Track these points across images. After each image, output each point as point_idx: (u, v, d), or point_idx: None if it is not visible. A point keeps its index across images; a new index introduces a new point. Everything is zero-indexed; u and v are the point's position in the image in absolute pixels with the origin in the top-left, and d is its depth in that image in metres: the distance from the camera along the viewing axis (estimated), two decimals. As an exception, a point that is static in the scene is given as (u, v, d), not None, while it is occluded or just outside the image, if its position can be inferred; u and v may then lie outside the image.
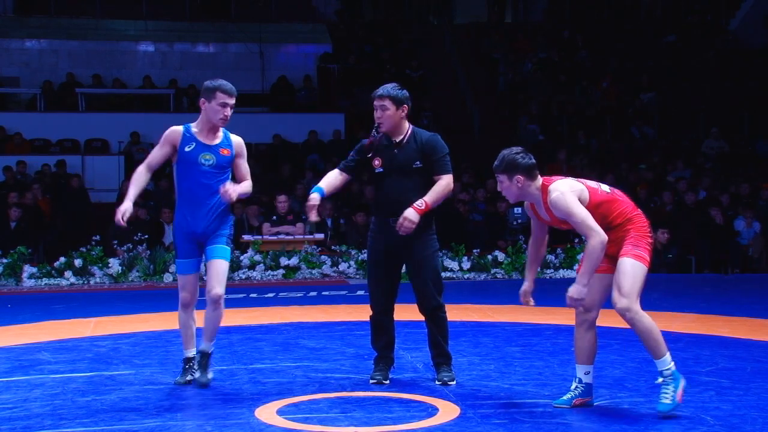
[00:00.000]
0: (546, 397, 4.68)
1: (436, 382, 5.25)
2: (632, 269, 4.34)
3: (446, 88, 18.40)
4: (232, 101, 5.02)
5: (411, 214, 5.06)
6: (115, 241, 11.75)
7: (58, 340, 6.88)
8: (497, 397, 4.86)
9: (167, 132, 5.11)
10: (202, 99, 5.02)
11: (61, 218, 13.46)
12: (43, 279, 11.01)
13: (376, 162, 5.31)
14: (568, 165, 15.23)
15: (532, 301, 4.69)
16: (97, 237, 11.47)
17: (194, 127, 5.13)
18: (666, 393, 4.35)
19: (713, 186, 14.16)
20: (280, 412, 4.60)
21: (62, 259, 11.15)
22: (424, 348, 6.28)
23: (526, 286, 4.69)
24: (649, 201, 13.88)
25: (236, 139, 5.23)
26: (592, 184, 4.51)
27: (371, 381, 5.29)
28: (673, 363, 4.40)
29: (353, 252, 11.65)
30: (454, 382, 5.21)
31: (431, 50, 19.68)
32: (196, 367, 5.18)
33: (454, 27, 21.27)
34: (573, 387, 4.63)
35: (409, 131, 5.31)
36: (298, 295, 9.81)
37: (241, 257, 11.30)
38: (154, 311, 8.45)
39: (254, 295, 9.77)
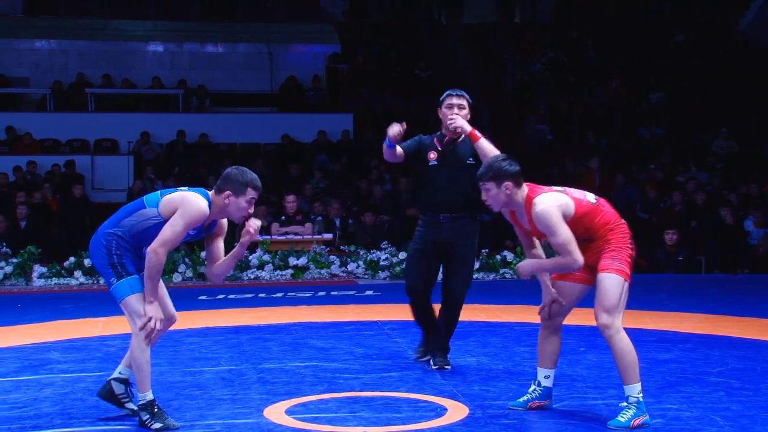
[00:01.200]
0: (554, 398, 4.67)
1: (433, 367, 5.49)
2: (613, 285, 4.28)
3: (454, 88, 18.37)
4: (257, 197, 4.48)
5: (461, 121, 5.47)
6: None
7: (67, 340, 6.90)
8: (506, 398, 4.86)
9: (198, 215, 4.32)
10: (228, 192, 4.35)
11: (65, 225, 13.48)
12: (53, 278, 11.04)
13: (432, 155, 5.56)
14: (576, 167, 15.23)
15: (562, 300, 4.55)
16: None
17: (211, 203, 4.42)
18: (625, 413, 4.23)
19: (723, 186, 14.12)
20: (289, 411, 4.61)
21: (72, 259, 11.18)
22: (432, 348, 6.29)
23: (548, 298, 4.54)
24: (659, 201, 13.85)
25: (223, 222, 4.63)
26: (578, 194, 4.44)
27: (413, 356, 5.73)
28: (641, 395, 4.28)
29: (362, 252, 11.65)
30: (450, 367, 5.46)
31: (439, 50, 19.67)
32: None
33: (462, 27, 21.25)
34: (531, 390, 4.61)
35: None
36: (307, 295, 9.82)
37: (250, 257, 11.32)
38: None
39: (263, 295, 9.78)
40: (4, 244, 11.37)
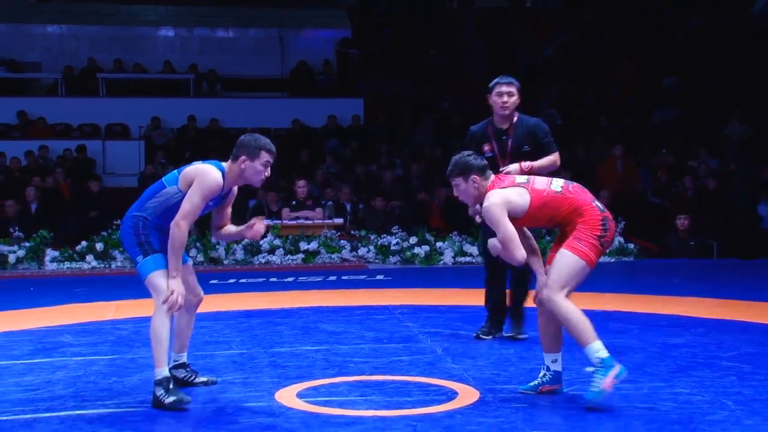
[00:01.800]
0: (566, 382, 4.67)
1: (513, 335, 6.02)
2: (563, 260, 4.33)
3: (465, 73, 18.33)
4: (273, 160, 4.62)
5: (513, 166, 5.57)
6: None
7: (80, 323, 6.94)
8: (517, 382, 4.86)
9: (214, 185, 4.43)
10: (243, 156, 4.50)
11: (78, 212, 13.53)
12: (65, 262, 11.09)
13: (486, 148, 5.78)
14: (589, 151, 15.18)
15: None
16: (118, 221, 11.53)
17: (225, 171, 4.56)
18: (594, 381, 4.24)
19: (736, 171, 14.04)
20: (300, 395, 4.62)
21: (84, 243, 11.23)
22: (443, 332, 6.32)
23: (541, 283, 4.55)
24: (671, 186, 13.79)
25: (234, 190, 4.77)
26: (541, 185, 4.45)
27: (474, 335, 5.97)
28: (603, 350, 4.26)
29: (372, 237, 11.66)
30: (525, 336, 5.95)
31: (450, 35, 19.58)
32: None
33: (474, 11, 21.14)
34: (541, 374, 4.63)
35: (516, 117, 5.88)
36: (318, 279, 9.84)
37: (261, 242, 11.34)
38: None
39: (274, 279, 9.80)
40: (17, 228, 11.42)
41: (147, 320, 6.94)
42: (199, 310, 7.13)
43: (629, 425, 4.03)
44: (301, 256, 11.33)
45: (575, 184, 4.52)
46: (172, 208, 4.45)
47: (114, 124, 16.53)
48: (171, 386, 4.38)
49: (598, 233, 4.36)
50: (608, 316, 7.00)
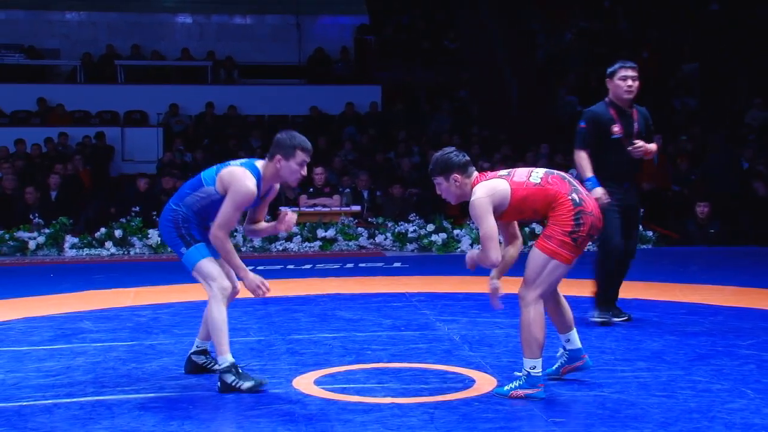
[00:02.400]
0: (583, 373, 4.65)
1: (621, 319, 6.19)
2: (533, 259, 4.31)
3: (484, 60, 18.27)
4: (309, 158, 4.60)
5: (652, 146, 6.12)
6: (154, 213, 11.86)
7: (99, 310, 6.98)
8: (534, 369, 4.85)
9: (248, 195, 4.44)
10: (279, 156, 4.48)
11: (98, 199, 13.61)
12: (84, 249, 11.16)
13: (616, 128, 6.03)
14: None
15: (499, 304, 4.58)
16: (137, 208, 11.59)
17: (261, 173, 4.56)
18: (512, 383, 4.28)
19: (756, 157, 13.93)
20: (318, 382, 4.64)
21: (103, 230, 11.29)
22: (461, 320, 6.32)
23: (494, 283, 4.54)
24: (690, 173, 13.70)
25: (275, 187, 4.79)
26: (520, 177, 4.36)
27: (591, 318, 6.09)
28: (539, 370, 4.27)
29: (390, 224, 11.65)
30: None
31: (469, 21, 19.52)
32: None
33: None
34: (559, 355, 4.66)
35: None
36: (335, 266, 9.85)
37: (278, 229, 11.34)
38: (192, 282, 8.51)
39: (291, 267, 9.83)
40: (36, 214, 11.50)
41: (165, 306, 7.03)
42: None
43: (647, 413, 4.01)
44: (318, 243, 11.34)
45: (556, 174, 4.40)
46: (209, 207, 4.52)
47: (133, 111, 16.59)
48: (240, 371, 4.43)
49: (569, 229, 4.24)
50: (627, 303, 6.97)
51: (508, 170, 4.47)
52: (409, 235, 11.46)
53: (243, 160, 4.63)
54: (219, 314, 4.45)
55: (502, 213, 4.36)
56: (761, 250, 11.33)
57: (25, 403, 4.28)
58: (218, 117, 16.32)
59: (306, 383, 4.60)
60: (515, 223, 4.54)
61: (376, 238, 11.51)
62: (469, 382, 4.61)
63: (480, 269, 4.47)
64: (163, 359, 5.20)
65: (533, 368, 4.26)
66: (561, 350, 4.64)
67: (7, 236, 11.20)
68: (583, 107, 17.50)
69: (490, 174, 4.45)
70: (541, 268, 4.29)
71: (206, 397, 4.36)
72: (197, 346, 4.86)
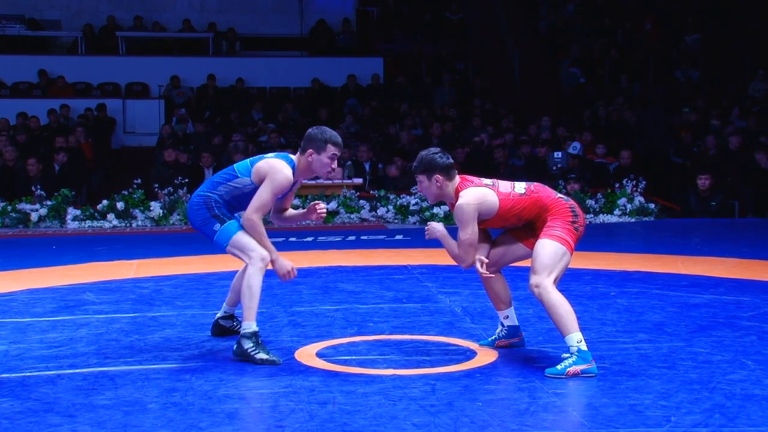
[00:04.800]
0: (586, 341, 4.67)
1: None
2: (544, 249, 4.34)
3: (486, 32, 18.16)
4: (340, 152, 4.76)
5: None
6: (156, 185, 11.87)
7: (101, 282, 7.00)
8: (535, 342, 4.88)
9: (285, 183, 4.59)
10: (310, 150, 4.63)
11: (99, 171, 13.60)
12: (87, 221, 11.17)
13: None
14: (606, 110, 15.05)
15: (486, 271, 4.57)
16: (139, 180, 11.59)
17: (295, 165, 4.70)
18: (563, 362, 4.21)
19: (759, 129, 13.89)
20: (320, 354, 4.66)
21: (105, 202, 11.29)
22: (462, 292, 6.33)
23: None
24: (692, 145, 13.67)
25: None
26: (505, 188, 4.49)
27: None
28: (584, 343, 4.23)
29: (391, 197, 11.65)
30: None
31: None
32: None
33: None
34: (498, 330, 4.78)
35: None
36: (337, 239, 9.86)
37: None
38: (194, 254, 8.55)
39: (293, 239, 9.84)
40: (39, 186, 11.50)
41: (167, 279, 7.05)
42: (220, 269, 7.21)
43: (648, 384, 4.03)
44: (320, 215, 11.32)
45: (536, 183, 4.60)
46: (243, 197, 4.64)
47: (134, 83, 16.53)
48: (260, 341, 4.52)
49: (570, 219, 4.41)
50: (628, 276, 7.00)
51: (492, 180, 4.60)
52: (411, 207, 11.46)
53: (277, 153, 4.79)
54: (257, 282, 4.55)
55: (486, 221, 4.49)
56: (763, 222, 11.34)
57: (28, 374, 4.31)
58: (220, 89, 16.27)
59: (308, 355, 4.63)
60: (488, 232, 4.70)
61: (377, 211, 11.52)
62: (470, 354, 4.63)
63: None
64: (166, 331, 5.23)
65: (579, 341, 4.23)
66: (499, 327, 4.77)
67: (9, 208, 11.22)
68: (587, 79, 17.52)
69: (475, 180, 4.56)
70: (552, 255, 4.33)
71: (208, 368, 4.38)
72: (225, 312, 5.04)
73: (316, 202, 4.89)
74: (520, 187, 4.52)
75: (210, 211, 4.64)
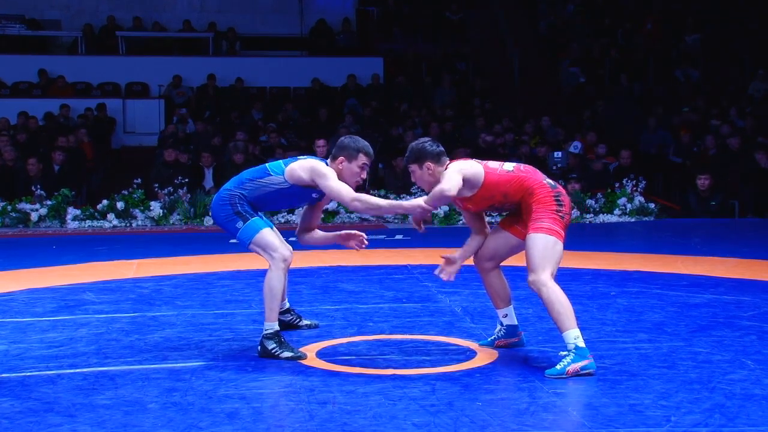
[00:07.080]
0: (585, 341, 4.67)
1: None
2: (535, 244, 4.34)
3: (486, 32, 18.16)
4: (370, 163, 4.82)
5: None
6: (156, 185, 11.87)
7: (101, 281, 7.00)
8: (535, 341, 4.88)
9: (330, 169, 4.71)
10: (342, 157, 4.70)
11: (100, 171, 13.58)
12: (87, 221, 11.17)
13: None
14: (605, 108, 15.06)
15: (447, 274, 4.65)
16: (139, 180, 11.59)
17: None
18: (562, 361, 4.21)
19: (758, 129, 13.89)
20: (320, 354, 4.66)
21: (105, 202, 11.29)
22: (462, 292, 6.33)
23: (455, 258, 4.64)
24: (692, 145, 13.66)
25: None
26: (493, 165, 4.54)
27: None
28: (581, 339, 4.22)
29: (392, 197, 11.65)
30: None
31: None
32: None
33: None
34: (497, 330, 4.78)
35: None
36: (337, 238, 9.83)
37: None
38: (194, 254, 8.56)
39: (293, 239, 9.81)
40: (39, 186, 11.50)
41: (167, 278, 7.05)
42: (220, 269, 7.21)
43: (648, 384, 4.03)
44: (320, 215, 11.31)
45: (526, 165, 4.60)
46: (267, 196, 4.70)
47: (134, 83, 16.53)
48: (282, 340, 4.57)
49: (554, 207, 4.40)
50: (628, 276, 7.00)
51: (479, 161, 4.62)
52: (411, 207, 11.43)
53: (311, 157, 4.82)
54: (278, 283, 4.61)
55: (473, 196, 4.48)
56: (763, 222, 11.34)
57: (28, 374, 4.31)
58: (220, 89, 16.27)
59: (308, 355, 4.62)
60: (484, 218, 4.70)
61: (378, 211, 11.49)
62: (470, 354, 4.63)
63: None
64: (166, 331, 5.23)
65: (576, 338, 4.24)
66: (498, 326, 4.77)
67: (9, 208, 11.22)
68: (586, 79, 17.54)
69: (462, 159, 4.61)
70: (543, 249, 4.33)
71: (208, 368, 4.38)
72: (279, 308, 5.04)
73: (360, 234, 4.94)
74: (509, 166, 4.55)
75: (233, 207, 4.67)
